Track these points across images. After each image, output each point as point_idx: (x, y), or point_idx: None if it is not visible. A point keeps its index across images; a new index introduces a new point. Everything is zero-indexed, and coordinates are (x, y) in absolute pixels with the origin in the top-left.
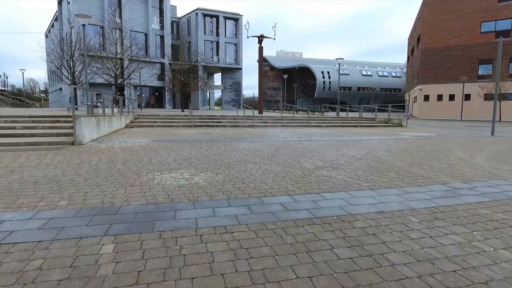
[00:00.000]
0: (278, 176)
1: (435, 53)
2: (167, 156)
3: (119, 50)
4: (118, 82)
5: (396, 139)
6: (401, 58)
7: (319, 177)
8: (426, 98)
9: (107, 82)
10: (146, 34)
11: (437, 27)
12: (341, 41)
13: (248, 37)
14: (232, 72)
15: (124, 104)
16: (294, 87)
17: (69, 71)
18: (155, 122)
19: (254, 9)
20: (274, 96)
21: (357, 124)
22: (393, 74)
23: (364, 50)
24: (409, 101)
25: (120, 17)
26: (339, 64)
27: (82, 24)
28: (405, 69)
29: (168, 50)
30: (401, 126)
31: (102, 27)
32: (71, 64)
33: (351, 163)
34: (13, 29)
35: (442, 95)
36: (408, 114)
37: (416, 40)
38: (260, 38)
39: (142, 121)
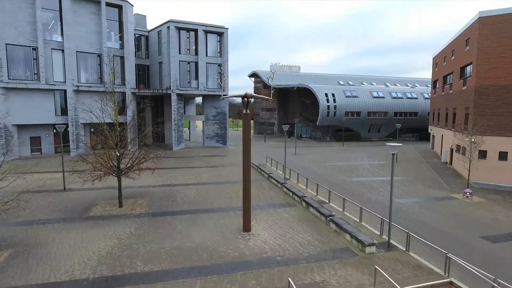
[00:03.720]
0: None
1: (498, 93)
2: None
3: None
4: None
5: None
6: (400, 58)
7: None
8: (483, 154)
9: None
10: (99, 56)
11: (501, 57)
12: (337, 42)
13: (222, 98)
14: (215, 100)
15: None
16: (291, 107)
17: None
18: None
19: (248, 10)
20: (268, 118)
21: None
22: (408, 95)
23: (361, 49)
24: (442, 142)
25: (62, 34)
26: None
27: None
28: (418, 86)
29: (130, 75)
30: None
31: (34, 49)
32: None
33: None
34: None
35: (507, 152)
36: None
37: (460, 68)
38: (246, 99)
39: None
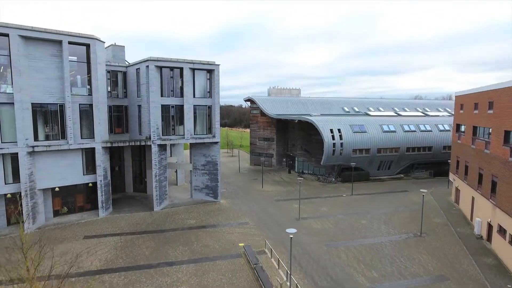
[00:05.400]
0: None
1: None
2: None
3: None
4: None
5: None
6: (396, 59)
7: None
8: None
9: None
10: (61, 106)
11: None
12: (333, 43)
13: None
14: (204, 147)
15: None
16: (291, 138)
17: None
18: None
19: (242, 13)
20: (266, 149)
21: None
22: (422, 128)
23: (357, 50)
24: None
25: (11, 84)
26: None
27: None
28: (428, 110)
29: (101, 126)
30: None
31: None
32: None
33: None
34: None
35: None
36: None
37: (504, 131)
38: None
39: None
